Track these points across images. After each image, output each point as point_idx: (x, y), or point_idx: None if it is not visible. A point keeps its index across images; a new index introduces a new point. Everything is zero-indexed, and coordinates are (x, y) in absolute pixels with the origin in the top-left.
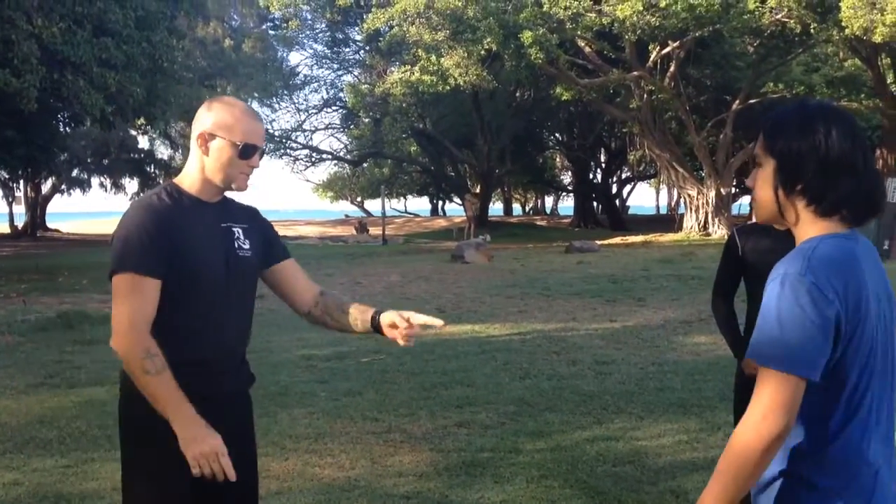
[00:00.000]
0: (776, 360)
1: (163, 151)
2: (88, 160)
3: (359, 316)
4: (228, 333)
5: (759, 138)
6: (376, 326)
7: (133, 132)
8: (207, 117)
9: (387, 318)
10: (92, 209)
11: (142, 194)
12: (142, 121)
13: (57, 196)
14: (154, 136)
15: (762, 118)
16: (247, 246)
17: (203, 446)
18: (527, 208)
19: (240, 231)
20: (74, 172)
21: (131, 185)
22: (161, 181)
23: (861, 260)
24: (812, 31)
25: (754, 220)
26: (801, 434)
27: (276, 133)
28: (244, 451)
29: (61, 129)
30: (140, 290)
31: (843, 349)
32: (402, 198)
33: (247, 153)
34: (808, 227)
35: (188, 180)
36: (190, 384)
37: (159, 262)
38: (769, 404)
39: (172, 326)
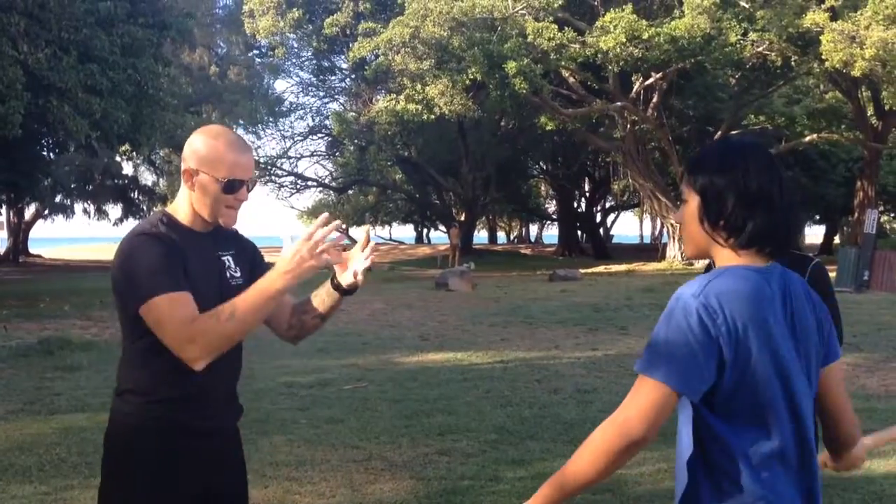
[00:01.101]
0: (653, 369)
1: (147, 177)
2: (72, 186)
3: (320, 293)
4: (225, 367)
5: (684, 177)
6: (336, 285)
7: (117, 158)
8: (191, 153)
9: (338, 271)
10: (75, 235)
11: (136, 224)
12: (126, 147)
13: (40, 222)
14: (138, 162)
15: (693, 157)
16: (238, 274)
17: (302, 254)
18: (511, 236)
19: (230, 259)
20: (58, 198)
21: (115, 211)
22: (145, 207)
23: (771, 295)
24: (793, 63)
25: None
26: (711, 463)
27: (262, 160)
28: (237, 485)
29: (45, 155)
30: (181, 302)
31: (733, 379)
32: (386, 225)
33: (231, 188)
34: (727, 259)
35: (181, 212)
36: (188, 420)
37: (184, 281)
38: (638, 409)
39: (169, 361)
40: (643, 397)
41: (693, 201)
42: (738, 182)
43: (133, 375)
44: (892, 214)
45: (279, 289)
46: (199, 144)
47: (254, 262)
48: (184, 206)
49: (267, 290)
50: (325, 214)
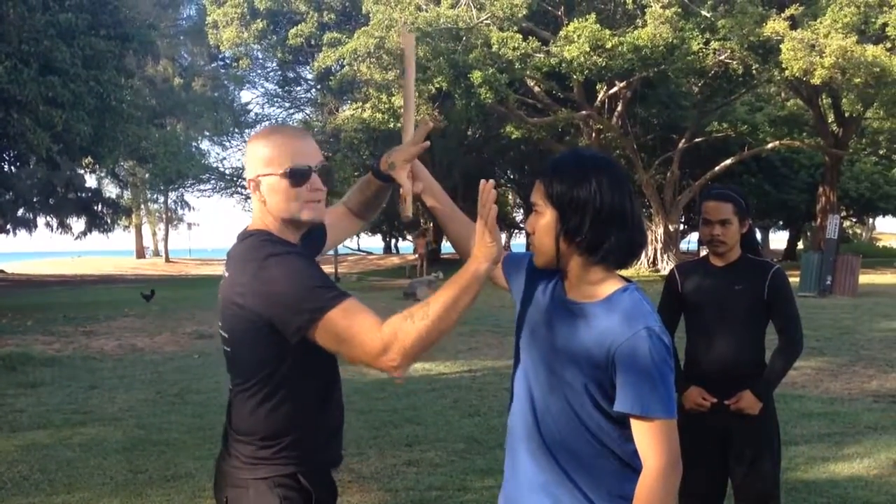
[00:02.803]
0: (663, 410)
1: (111, 190)
2: (34, 199)
3: (367, 181)
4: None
5: (536, 186)
6: (379, 174)
7: (80, 171)
8: (249, 162)
9: (383, 163)
10: (38, 249)
11: (245, 251)
12: (89, 160)
13: (1, 236)
14: (102, 175)
15: (539, 167)
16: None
17: (495, 245)
18: None
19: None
20: (20, 212)
21: (78, 224)
22: (109, 220)
23: None
24: (754, 72)
25: (702, 256)
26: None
27: (227, 171)
28: None
29: (6, 169)
30: (356, 309)
31: None
32: (354, 236)
33: (298, 176)
34: (583, 272)
35: (271, 225)
36: (326, 454)
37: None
38: (671, 453)
39: (306, 393)
40: (670, 439)
41: (549, 214)
42: (594, 198)
43: (269, 419)
44: (854, 220)
45: (473, 272)
46: (254, 149)
47: (321, 234)
48: (267, 222)
49: (461, 278)
50: (490, 181)
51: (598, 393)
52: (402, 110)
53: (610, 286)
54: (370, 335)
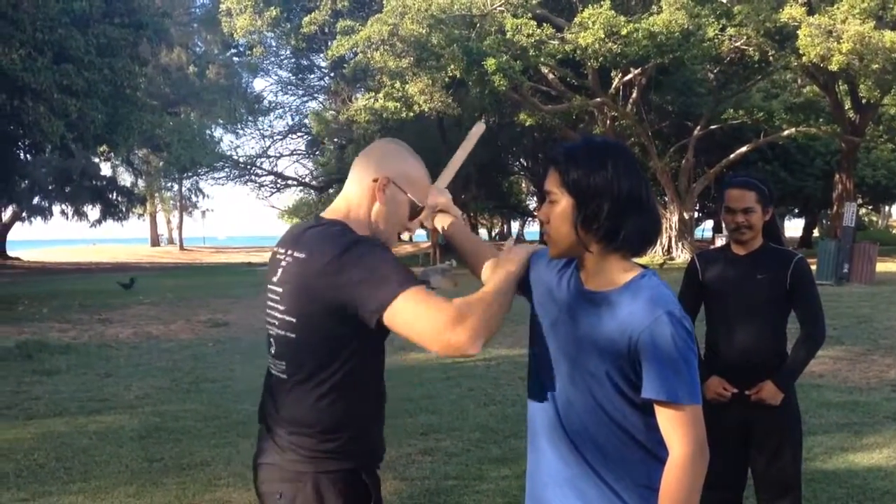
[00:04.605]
0: (689, 396)
1: (125, 178)
2: (49, 188)
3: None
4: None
5: (550, 174)
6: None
7: (95, 159)
8: (392, 161)
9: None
10: (53, 237)
11: (327, 237)
12: (104, 148)
13: (17, 224)
14: (116, 162)
15: (551, 155)
16: None
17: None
18: (493, 233)
19: None
20: (35, 200)
21: (93, 212)
22: (124, 208)
23: None
24: (770, 58)
25: (722, 244)
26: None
27: (241, 159)
28: None
29: (22, 157)
30: (428, 293)
31: None
32: None
33: (417, 212)
34: (601, 260)
35: (354, 223)
36: (380, 449)
37: None
38: (698, 439)
39: (368, 385)
40: (697, 425)
41: (564, 202)
42: (612, 185)
43: (332, 410)
44: (871, 207)
45: (510, 269)
46: (402, 156)
47: None
48: (360, 217)
49: (503, 271)
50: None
51: (621, 381)
52: (445, 168)
53: (628, 273)
54: (443, 311)
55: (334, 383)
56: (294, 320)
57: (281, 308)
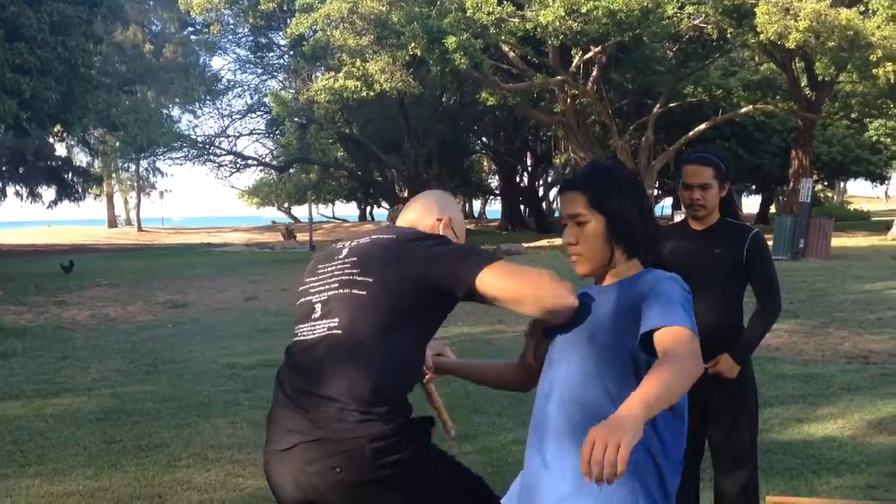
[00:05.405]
0: (689, 323)
1: (81, 159)
2: (3, 168)
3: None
4: None
5: (573, 198)
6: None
7: (50, 139)
8: (452, 207)
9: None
10: (7, 219)
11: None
12: (58, 127)
13: None
14: (72, 143)
15: (571, 181)
16: None
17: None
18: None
19: None
20: None
21: (48, 193)
22: (80, 189)
23: None
24: (729, 36)
25: (680, 220)
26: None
27: (200, 139)
28: None
29: None
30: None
31: None
32: (329, 203)
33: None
34: (623, 268)
35: None
36: (410, 407)
37: None
38: (699, 354)
39: (420, 351)
40: (696, 344)
41: (595, 221)
42: (633, 200)
43: (396, 380)
44: (826, 183)
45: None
46: (457, 210)
47: None
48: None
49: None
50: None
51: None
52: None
53: (637, 269)
54: (542, 274)
55: (394, 347)
56: (371, 280)
57: (354, 271)
